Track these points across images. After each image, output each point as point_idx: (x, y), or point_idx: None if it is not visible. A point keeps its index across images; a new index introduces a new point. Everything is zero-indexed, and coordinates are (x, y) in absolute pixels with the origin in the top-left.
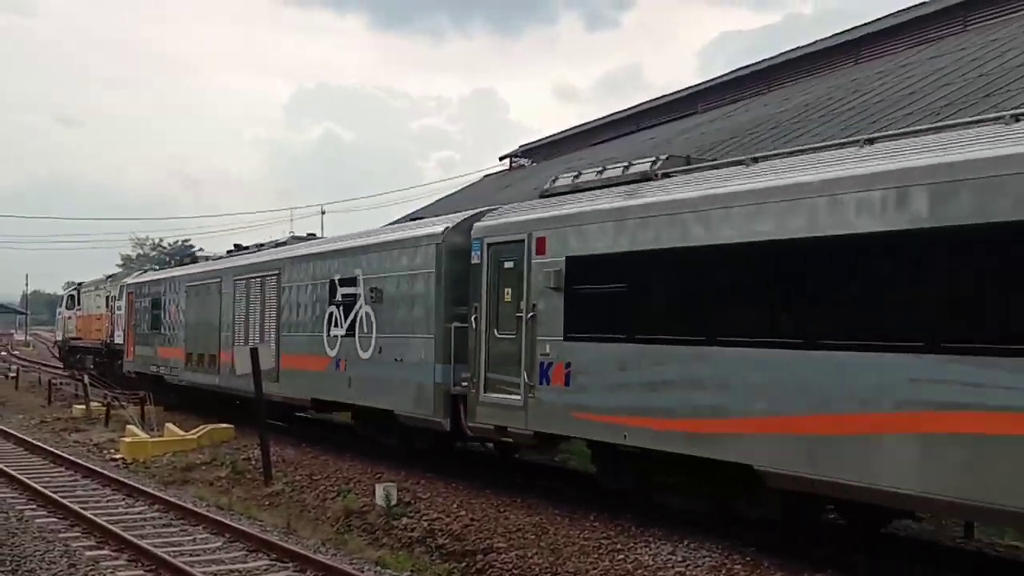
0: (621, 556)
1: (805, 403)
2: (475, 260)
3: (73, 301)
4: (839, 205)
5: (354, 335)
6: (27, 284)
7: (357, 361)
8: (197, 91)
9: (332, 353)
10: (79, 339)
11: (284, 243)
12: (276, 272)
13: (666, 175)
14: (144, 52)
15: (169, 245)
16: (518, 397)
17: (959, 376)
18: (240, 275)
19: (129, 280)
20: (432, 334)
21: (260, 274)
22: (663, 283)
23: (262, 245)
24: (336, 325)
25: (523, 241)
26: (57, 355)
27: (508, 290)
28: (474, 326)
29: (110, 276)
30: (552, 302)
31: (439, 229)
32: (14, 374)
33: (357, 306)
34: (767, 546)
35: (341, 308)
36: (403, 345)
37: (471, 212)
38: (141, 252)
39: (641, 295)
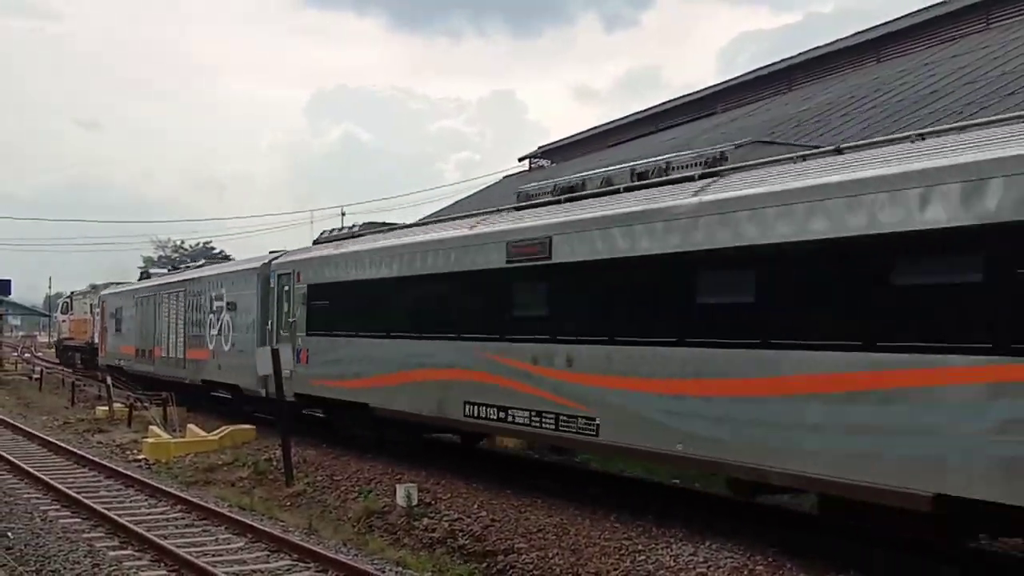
0: (642, 557)
1: (387, 368)
2: (272, 284)
3: (67, 307)
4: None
5: (221, 334)
6: (50, 286)
7: (223, 352)
8: (218, 95)
9: (211, 347)
10: (71, 339)
11: (199, 265)
12: (183, 289)
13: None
14: (166, 56)
15: (190, 247)
16: (289, 372)
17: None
18: (165, 291)
19: (102, 292)
20: (256, 333)
21: (176, 290)
22: (343, 301)
23: (190, 265)
24: (212, 328)
25: (291, 273)
26: (54, 352)
27: (286, 304)
28: (271, 327)
29: (94, 286)
30: (303, 311)
31: (258, 264)
32: (38, 375)
33: (223, 314)
34: (789, 546)
35: (215, 315)
36: (244, 341)
37: (278, 252)
38: (163, 254)
39: (337, 307)
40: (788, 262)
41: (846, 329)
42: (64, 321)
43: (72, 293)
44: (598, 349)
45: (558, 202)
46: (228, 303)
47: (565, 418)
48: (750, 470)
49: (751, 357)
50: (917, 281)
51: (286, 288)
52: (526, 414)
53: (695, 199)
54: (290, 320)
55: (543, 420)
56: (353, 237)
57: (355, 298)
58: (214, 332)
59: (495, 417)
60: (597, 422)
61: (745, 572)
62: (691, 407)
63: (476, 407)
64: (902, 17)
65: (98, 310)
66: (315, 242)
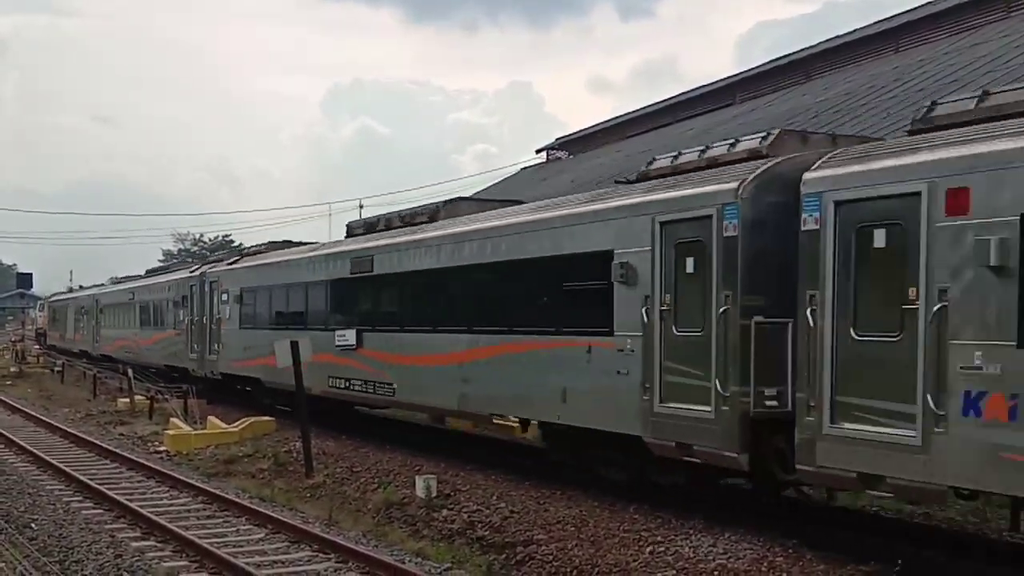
0: (662, 548)
1: (270, 352)
2: (206, 291)
3: (43, 307)
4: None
5: (165, 324)
6: (71, 279)
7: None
8: (236, 90)
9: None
10: (42, 328)
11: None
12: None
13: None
14: (184, 52)
15: (209, 240)
16: (216, 356)
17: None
18: (94, 299)
19: (47, 300)
20: (185, 330)
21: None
22: (245, 302)
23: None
24: (159, 319)
25: (218, 280)
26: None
27: (212, 303)
28: (204, 321)
29: (55, 294)
30: (222, 309)
31: (197, 273)
32: (60, 368)
33: (170, 308)
34: (809, 538)
35: (162, 311)
36: (185, 329)
37: (211, 263)
38: (182, 247)
39: (242, 306)
40: (470, 274)
41: (493, 319)
42: (41, 316)
43: (50, 296)
44: (392, 335)
45: (375, 231)
46: (174, 301)
47: (377, 384)
48: (436, 408)
49: (453, 338)
50: (505, 292)
51: (221, 295)
52: (360, 383)
53: (412, 237)
54: (216, 316)
55: (366, 387)
56: (258, 254)
57: (253, 300)
58: (160, 321)
59: (343, 387)
60: (394, 386)
61: (764, 563)
62: (436, 373)
63: (335, 380)
64: (921, 6)
65: (42, 313)
66: (243, 255)
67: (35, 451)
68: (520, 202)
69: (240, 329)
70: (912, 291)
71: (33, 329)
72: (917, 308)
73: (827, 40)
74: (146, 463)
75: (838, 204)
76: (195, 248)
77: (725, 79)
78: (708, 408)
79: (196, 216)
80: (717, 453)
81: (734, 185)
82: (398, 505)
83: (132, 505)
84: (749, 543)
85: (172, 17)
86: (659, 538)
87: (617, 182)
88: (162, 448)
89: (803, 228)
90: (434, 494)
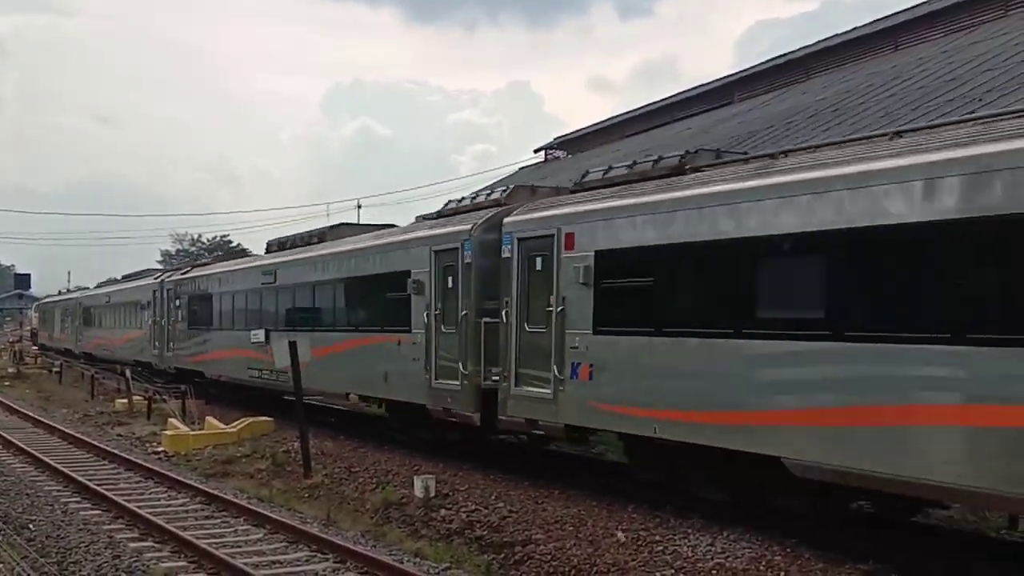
0: (660, 548)
1: (213, 349)
2: (165, 296)
3: (38, 308)
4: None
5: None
6: (69, 280)
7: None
8: (236, 90)
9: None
10: (35, 329)
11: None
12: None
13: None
14: (183, 52)
15: (208, 240)
16: (172, 353)
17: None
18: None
19: (43, 301)
20: (149, 330)
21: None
22: (198, 307)
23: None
24: (129, 320)
25: (173, 287)
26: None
27: (173, 307)
28: (165, 322)
29: (47, 297)
30: (177, 312)
31: (159, 280)
32: (58, 369)
33: (139, 311)
34: (807, 538)
35: (130, 314)
36: (150, 328)
37: (169, 272)
38: (181, 248)
39: (194, 310)
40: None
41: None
42: (34, 317)
43: (42, 298)
44: (288, 333)
45: (284, 249)
46: (141, 305)
47: (280, 372)
48: (322, 391)
49: (326, 335)
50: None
51: (175, 302)
52: (269, 372)
53: (299, 256)
54: (172, 318)
55: (274, 375)
56: (206, 265)
57: (198, 305)
58: (132, 323)
59: (258, 376)
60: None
61: (763, 563)
62: (320, 363)
63: (252, 370)
64: (920, 4)
65: (36, 315)
66: (192, 267)
67: (33, 452)
68: (394, 225)
69: (188, 329)
70: (551, 299)
71: (29, 330)
72: (552, 310)
73: (826, 39)
74: (144, 464)
75: (520, 240)
76: (194, 248)
77: (724, 78)
78: (457, 383)
79: (196, 216)
80: (464, 414)
81: (469, 227)
82: (396, 505)
83: (130, 506)
84: (747, 542)
85: (172, 17)
86: (657, 537)
87: (418, 218)
88: (160, 449)
89: (503, 256)
90: (432, 494)
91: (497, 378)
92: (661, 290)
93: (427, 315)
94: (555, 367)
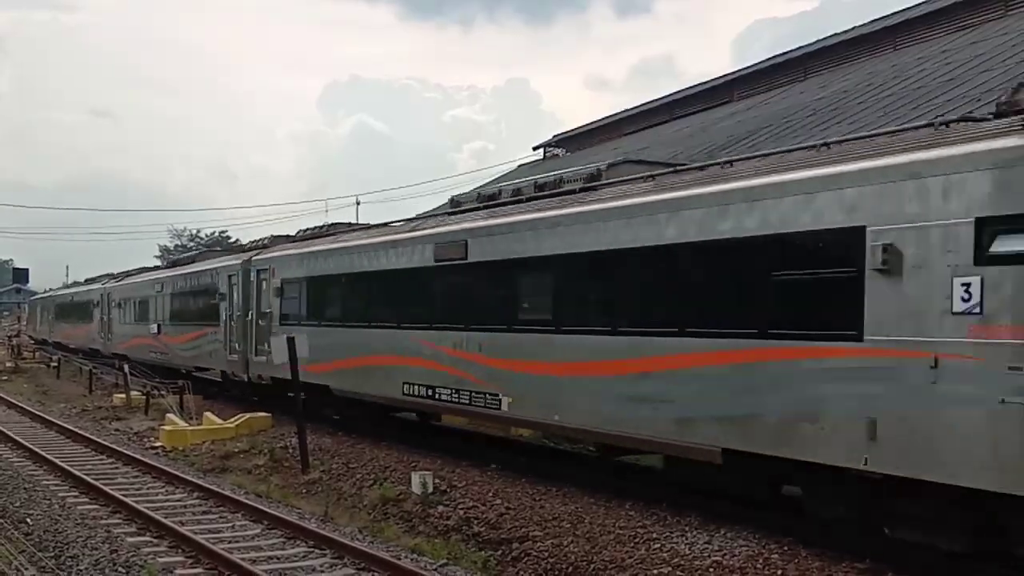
0: (657, 545)
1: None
2: (113, 299)
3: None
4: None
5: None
6: (67, 275)
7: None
8: (234, 87)
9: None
10: (27, 323)
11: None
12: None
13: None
14: (182, 48)
15: (206, 236)
16: (108, 342)
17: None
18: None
19: (32, 299)
20: (99, 323)
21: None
22: (125, 305)
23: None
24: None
25: (108, 293)
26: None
27: (111, 307)
28: (103, 320)
29: (35, 295)
30: (116, 313)
31: (107, 285)
32: (55, 363)
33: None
34: (804, 535)
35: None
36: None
37: (118, 276)
38: (179, 243)
39: (130, 309)
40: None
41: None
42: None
43: (31, 296)
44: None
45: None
46: (94, 303)
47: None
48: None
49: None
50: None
51: (113, 303)
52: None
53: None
54: (117, 317)
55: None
56: (144, 272)
57: (126, 306)
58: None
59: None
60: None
61: (760, 560)
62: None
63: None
64: (919, 4)
65: (27, 310)
66: (127, 274)
67: (31, 446)
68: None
69: (121, 323)
70: (268, 303)
71: (27, 322)
72: (269, 311)
73: (825, 38)
74: (142, 459)
75: (258, 270)
76: (191, 244)
77: (722, 77)
78: (237, 356)
79: (193, 212)
80: (240, 375)
81: (239, 261)
82: (394, 501)
83: (128, 500)
84: (744, 540)
85: (171, 14)
86: (655, 535)
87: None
88: (158, 444)
89: (250, 278)
90: (430, 490)
91: (262, 357)
92: (311, 299)
93: (226, 314)
94: (269, 343)
